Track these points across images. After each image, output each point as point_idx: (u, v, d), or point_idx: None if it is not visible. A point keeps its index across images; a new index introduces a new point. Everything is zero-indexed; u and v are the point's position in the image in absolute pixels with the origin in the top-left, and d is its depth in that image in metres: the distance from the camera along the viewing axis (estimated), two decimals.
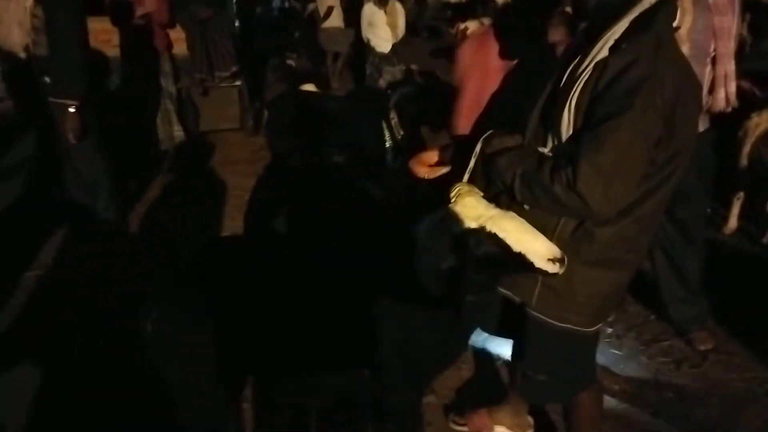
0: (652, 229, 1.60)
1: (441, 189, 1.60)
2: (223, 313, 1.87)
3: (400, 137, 4.36)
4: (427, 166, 1.72)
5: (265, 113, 4.58)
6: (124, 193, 4.12)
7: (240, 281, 1.94)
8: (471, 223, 1.42)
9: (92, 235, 3.73)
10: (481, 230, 1.41)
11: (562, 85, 1.47)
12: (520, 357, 1.78)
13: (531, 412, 2.29)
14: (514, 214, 1.45)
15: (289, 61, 6.29)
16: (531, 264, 1.41)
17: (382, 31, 6.46)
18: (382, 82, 6.32)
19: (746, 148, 3.46)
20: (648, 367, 2.65)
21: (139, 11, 4.80)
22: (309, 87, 5.32)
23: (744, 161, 3.49)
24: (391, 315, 1.78)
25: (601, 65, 1.37)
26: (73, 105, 3.18)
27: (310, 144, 4.49)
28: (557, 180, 1.35)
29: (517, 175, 1.44)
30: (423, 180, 1.71)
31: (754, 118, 3.41)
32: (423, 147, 5.35)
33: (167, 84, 5.09)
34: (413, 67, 7.48)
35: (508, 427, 2.27)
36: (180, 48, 5.34)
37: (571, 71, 1.45)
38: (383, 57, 6.47)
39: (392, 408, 2.09)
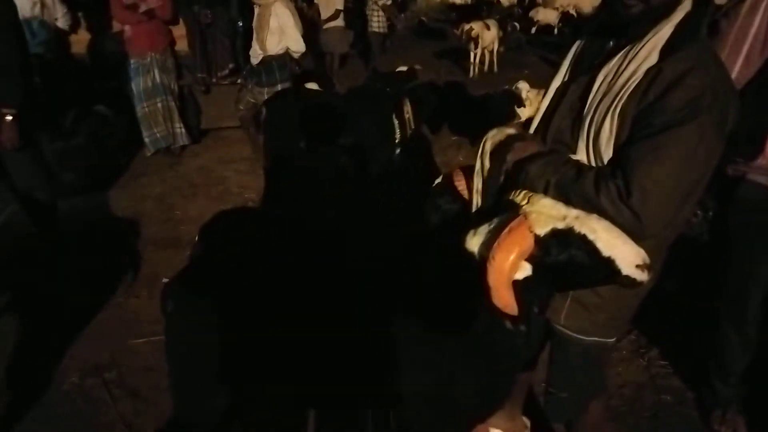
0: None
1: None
2: (226, 317, 1.67)
3: (410, 132, 4.30)
4: None
5: (263, 111, 4.55)
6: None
7: (242, 284, 1.72)
8: (557, 224, 1.25)
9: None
10: (569, 231, 1.25)
11: (597, 89, 1.39)
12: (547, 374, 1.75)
13: (526, 413, 2.27)
14: (596, 215, 1.28)
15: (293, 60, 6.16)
16: (617, 271, 1.26)
17: (254, 40, 4.97)
18: (241, 107, 5.03)
19: None
20: (647, 370, 2.63)
21: (143, 7, 4.82)
22: (312, 85, 5.30)
23: None
24: (414, 349, 1.51)
25: (653, 72, 1.29)
26: (9, 113, 2.89)
27: (313, 143, 4.45)
28: (604, 192, 1.27)
29: (552, 184, 1.34)
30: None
31: None
32: (427, 145, 5.34)
33: (170, 80, 5.09)
34: (417, 67, 7.48)
35: (504, 430, 2.24)
36: (182, 45, 5.34)
37: (609, 76, 1.38)
38: (249, 71, 5.03)
39: None
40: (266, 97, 4.69)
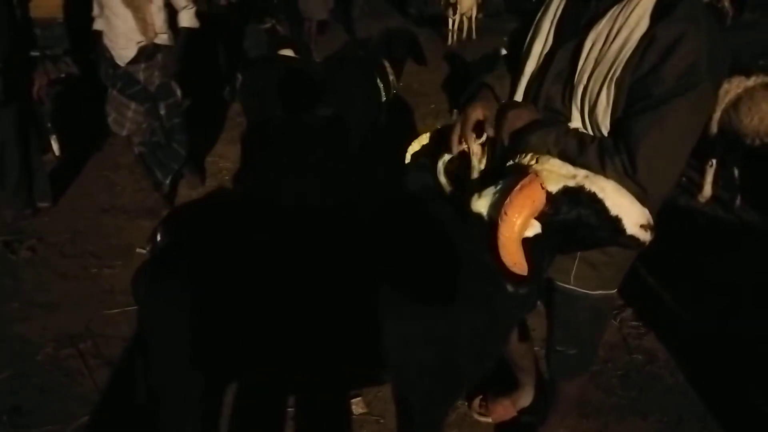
0: None
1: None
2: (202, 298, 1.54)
3: (393, 92, 4.21)
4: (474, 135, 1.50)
5: (239, 78, 4.42)
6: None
7: (216, 255, 1.59)
8: (568, 182, 1.27)
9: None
10: (580, 190, 1.26)
11: (586, 56, 1.35)
12: (550, 334, 1.77)
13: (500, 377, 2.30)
14: (603, 176, 1.30)
15: (267, 25, 5.94)
16: (623, 230, 1.27)
17: (120, 21, 3.27)
18: (122, 129, 3.51)
19: (716, 116, 3.46)
20: (619, 331, 2.69)
21: None
22: (287, 52, 5.18)
23: (714, 128, 3.50)
24: (407, 310, 1.48)
25: (647, 40, 1.26)
26: None
27: (290, 110, 4.37)
28: (610, 167, 1.28)
29: (554, 155, 1.34)
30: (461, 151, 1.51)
31: (724, 86, 3.39)
32: (406, 114, 5.25)
33: None
34: None
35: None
36: None
37: (599, 41, 1.33)
38: (121, 72, 3.38)
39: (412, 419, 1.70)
40: (166, 118, 3.59)
